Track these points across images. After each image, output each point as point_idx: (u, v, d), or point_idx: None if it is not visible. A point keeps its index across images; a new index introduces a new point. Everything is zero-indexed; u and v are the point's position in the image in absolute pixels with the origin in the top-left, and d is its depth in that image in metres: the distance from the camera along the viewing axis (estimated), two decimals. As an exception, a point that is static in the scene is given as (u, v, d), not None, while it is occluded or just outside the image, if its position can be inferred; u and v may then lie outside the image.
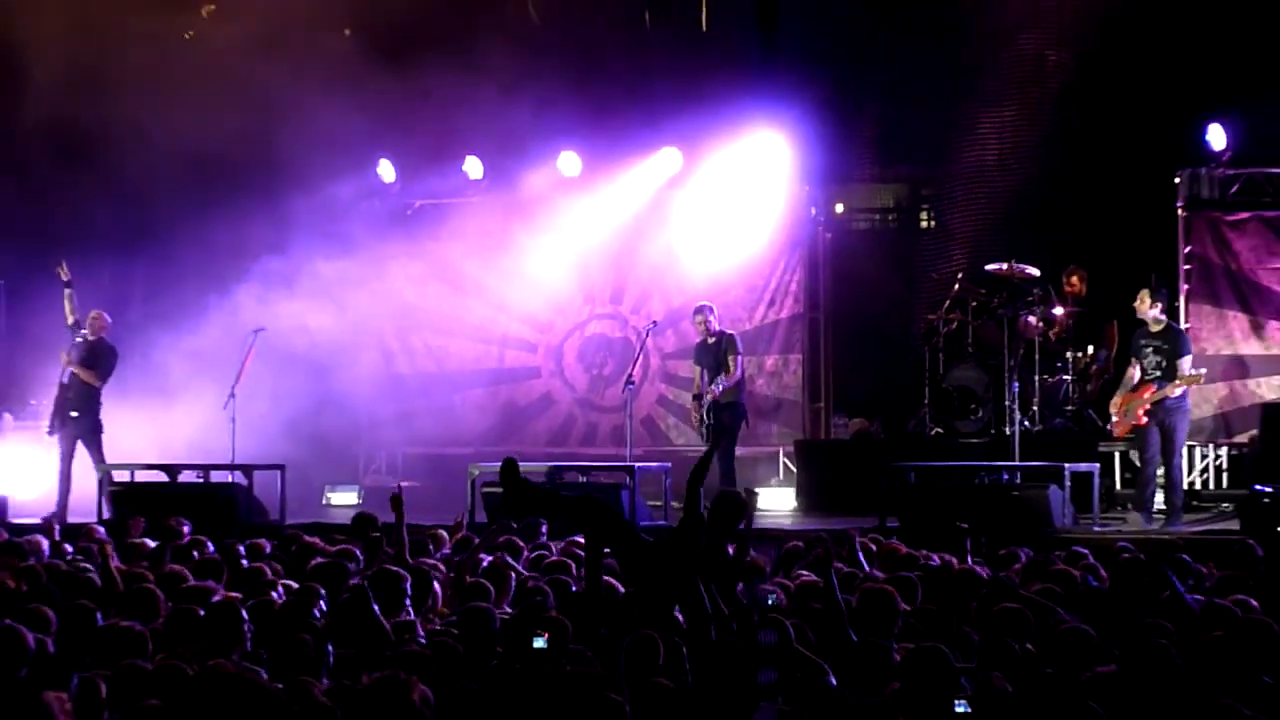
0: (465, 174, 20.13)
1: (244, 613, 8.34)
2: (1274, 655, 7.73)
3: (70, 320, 17.25)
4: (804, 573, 10.03)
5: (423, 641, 8.43)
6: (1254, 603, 8.90)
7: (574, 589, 9.79)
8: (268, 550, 11.89)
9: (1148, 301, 15.43)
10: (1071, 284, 18.25)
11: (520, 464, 9.57)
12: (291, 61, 19.22)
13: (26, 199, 20.57)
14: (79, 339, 17.11)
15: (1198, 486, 17.55)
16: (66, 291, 17.32)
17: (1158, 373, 15.32)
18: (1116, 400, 15.64)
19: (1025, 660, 7.91)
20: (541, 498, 10.07)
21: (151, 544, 12.00)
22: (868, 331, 20.48)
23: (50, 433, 17.09)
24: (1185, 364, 15.30)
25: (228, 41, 20.72)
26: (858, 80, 20.77)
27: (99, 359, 17.14)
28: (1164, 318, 15.54)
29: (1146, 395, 15.27)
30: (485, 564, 10.61)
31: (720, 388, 16.50)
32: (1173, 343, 15.40)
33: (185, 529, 12.65)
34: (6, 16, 20.46)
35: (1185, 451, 16.13)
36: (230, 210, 19.81)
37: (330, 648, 8.08)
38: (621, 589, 9.55)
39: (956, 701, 6.95)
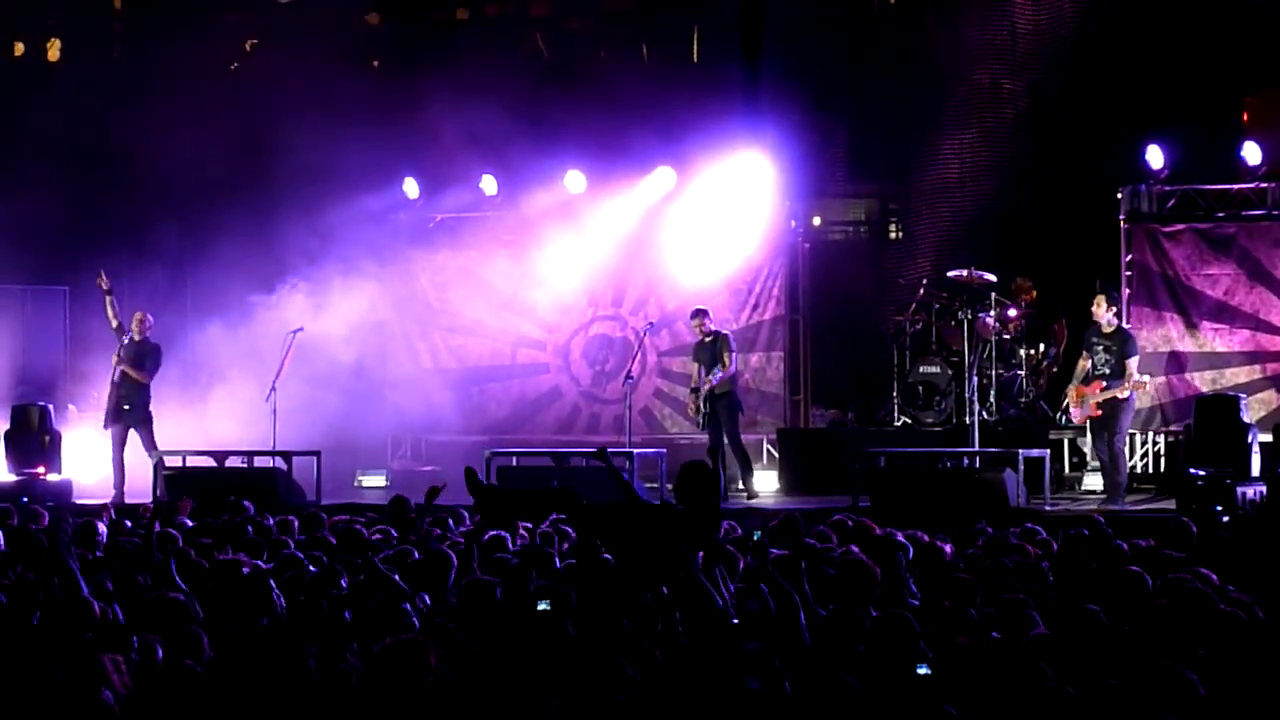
0: (482, 190, 20.03)
1: (272, 583, 8.28)
2: (1212, 623, 7.66)
3: (114, 324, 17.15)
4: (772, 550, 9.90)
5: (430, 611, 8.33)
6: (1213, 576, 8.82)
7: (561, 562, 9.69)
8: (296, 526, 11.80)
9: (1104, 305, 15.41)
10: (1024, 288, 18.20)
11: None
12: (326, 90, 19.19)
13: (85, 213, 20.49)
14: (127, 340, 17.02)
15: (1138, 470, 17.49)
16: (107, 299, 17.21)
17: (1106, 370, 15.30)
18: (1071, 391, 15.63)
19: (980, 624, 7.84)
20: (510, 498, 9.81)
21: (190, 523, 11.89)
22: (842, 331, 20.41)
23: (106, 426, 17.02)
24: (1132, 364, 15.28)
25: (268, 71, 20.70)
26: (833, 107, 20.77)
27: (145, 358, 17.04)
28: (1116, 321, 15.58)
29: (1098, 390, 15.25)
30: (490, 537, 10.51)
31: (716, 378, 16.51)
32: (1121, 344, 15.36)
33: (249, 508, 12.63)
34: (71, 46, 20.41)
35: (1126, 438, 16.08)
36: (273, 221, 19.76)
37: (348, 614, 7.99)
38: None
39: (919, 665, 6.88)
